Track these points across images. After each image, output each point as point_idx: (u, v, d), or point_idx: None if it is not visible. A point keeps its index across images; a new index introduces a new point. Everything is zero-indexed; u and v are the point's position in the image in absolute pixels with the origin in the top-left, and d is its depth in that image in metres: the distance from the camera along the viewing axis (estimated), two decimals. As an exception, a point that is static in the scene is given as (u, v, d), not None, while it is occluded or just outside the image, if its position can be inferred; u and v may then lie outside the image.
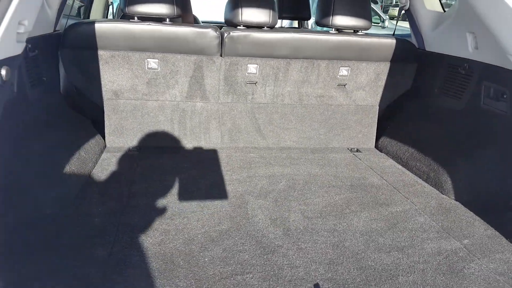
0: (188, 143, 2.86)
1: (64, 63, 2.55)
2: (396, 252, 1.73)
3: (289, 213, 2.02)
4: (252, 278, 1.51)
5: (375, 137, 3.09)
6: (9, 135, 1.44)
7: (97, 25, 2.50)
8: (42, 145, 2.07)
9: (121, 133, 2.77)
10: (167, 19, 2.60)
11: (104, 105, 2.72)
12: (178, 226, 1.85)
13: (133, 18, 2.59)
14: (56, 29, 2.48)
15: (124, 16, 4.33)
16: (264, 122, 2.93)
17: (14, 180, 1.51)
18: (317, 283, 1.50)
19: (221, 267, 1.57)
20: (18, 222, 1.64)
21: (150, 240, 1.73)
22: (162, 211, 1.98)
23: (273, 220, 1.94)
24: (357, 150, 3.01)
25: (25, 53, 1.66)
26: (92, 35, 2.51)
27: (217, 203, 2.09)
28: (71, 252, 1.61)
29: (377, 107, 3.05)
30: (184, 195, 2.15)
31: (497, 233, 1.91)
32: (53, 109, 2.42)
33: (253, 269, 1.57)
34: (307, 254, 1.68)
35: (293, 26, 5.20)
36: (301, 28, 5.01)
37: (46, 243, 1.65)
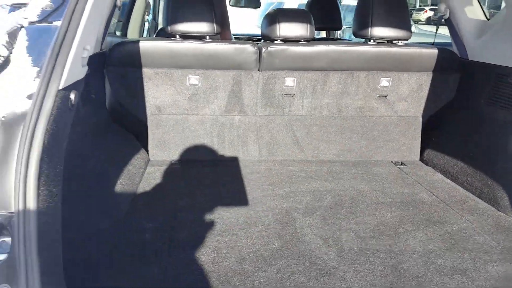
0: (227, 156, 2.87)
1: (110, 81, 2.64)
2: (459, 276, 1.65)
3: (340, 232, 1.97)
4: None
5: (419, 150, 3.00)
6: (65, 153, 1.49)
7: (141, 44, 2.58)
8: (94, 161, 2.13)
9: (164, 147, 2.84)
10: (207, 37, 2.63)
11: (148, 120, 2.80)
12: (228, 243, 1.83)
13: (175, 36, 2.63)
14: (102, 47, 2.54)
15: (159, 33, 4.43)
16: (302, 134, 2.90)
17: (69, 196, 1.55)
18: None
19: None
20: (72, 240, 1.66)
21: (202, 258, 1.72)
22: (210, 227, 1.98)
23: (324, 240, 1.89)
24: (402, 164, 2.93)
25: (86, 75, 1.72)
26: (137, 53, 2.59)
27: (264, 220, 2.06)
28: (126, 270, 1.62)
29: (420, 118, 2.97)
30: (230, 211, 2.15)
31: None
32: (101, 125, 2.50)
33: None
34: (366, 277, 1.63)
35: (320, 36, 5.19)
36: (329, 37, 4.99)
37: (101, 260, 1.67)
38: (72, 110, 1.44)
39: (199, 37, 2.64)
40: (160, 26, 5.27)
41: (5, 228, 1.19)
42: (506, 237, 1.96)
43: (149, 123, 2.80)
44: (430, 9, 28.80)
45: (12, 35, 1.43)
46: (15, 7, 1.56)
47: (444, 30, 3.17)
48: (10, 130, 1.20)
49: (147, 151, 2.83)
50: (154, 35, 4.79)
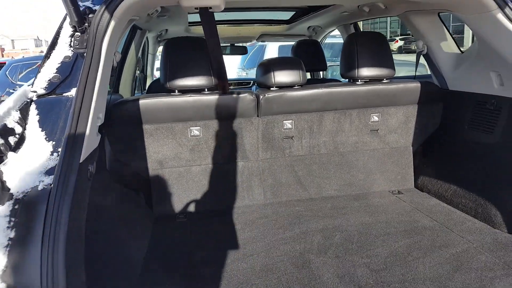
0: (233, 203, 2.94)
1: (110, 141, 2.63)
2: None
3: (354, 268, 2.06)
4: None
5: (413, 177, 3.16)
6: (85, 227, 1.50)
7: (141, 102, 2.62)
8: (102, 224, 2.12)
9: (168, 201, 2.86)
10: (206, 89, 2.75)
11: (150, 176, 2.83)
12: None
13: (174, 91, 2.73)
14: None
15: (151, 86, 4.56)
16: (304, 173, 3.02)
17: (85, 263, 1.55)
18: None
19: None
20: None
21: None
22: (228, 279, 2.01)
23: (341, 278, 1.98)
24: (399, 192, 3.07)
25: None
26: (137, 111, 2.63)
27: (280, 265, 2.13)
28: None
29: (411, 148, 3.15)
30: (245, 260, 2.20)
31: None
32: (102, 186, 2.47)
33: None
34: None
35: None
36: (314, 77, 5.23)
37: None
38: (90, 180, 1.48)
39: (198, 90, 2.75)
40: (148, 79, 5.42)
41: None
42: (505, 253, 2.09)
43: (151, 179, 2.82)
44: (401, 39, 29.99)
45: (24, 111, 1.47)
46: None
47: (409, 57, 3.42)
48: (32, 208, 1.20)
49: (151, 207, 2.83)
50: (146, 88, 4.91)
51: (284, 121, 2.89)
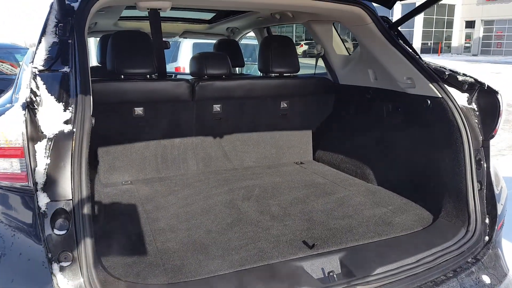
0: (171, 173, 3.52)
1: None
2: (348, 219, 2.59)
3: (269, 207, 2.81)
4: (263, 244, 2.26)
5: (312, 152, 4.02)
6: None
7: (93, 85, 3.08)
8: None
9: (115, 172, 3.34)
10: (148, 76, 3.28)
11: (98, 149, 3.29)
12: (194, 224, 2.52)
13: (120, 77, 3.15)
14: None
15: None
16: (229, 149, 3.71)
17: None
18: (304, 240, 2.28)
19: (239, 241, 2.29)
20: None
21: (180, 234, 2.39)
22: (177, 220, 2.61)
23: (260, 212, 2.71)
24: (301, 163, 3.90)
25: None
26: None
27: (215, 208, 2.79)
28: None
29: (311, 129, 4.00)
30: (187, 206, 2.82)
31: (408, 201, 2.85)
32: None
33: (262, 238, 2.32)
34: (291, 227, 2.47)
35: None
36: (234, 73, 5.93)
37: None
38: (92, 127, 2.01)
39: (142, 76, 3.21)
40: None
41: (65, 211, 1.66)
42: (374, 196, 2.98)
43: (99, 152, 3.28)
44: (305, 43, 32.04)
45: (35, 80, 1.88)
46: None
47: (312, 61, 4.29)
48: (62, 144, 1.72)
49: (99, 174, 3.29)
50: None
51: (214, 105, 3.51)
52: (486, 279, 2.10)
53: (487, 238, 2.33)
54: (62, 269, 1.63)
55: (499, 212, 2.39)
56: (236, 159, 3.75)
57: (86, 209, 1.71)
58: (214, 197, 3.00)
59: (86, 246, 1.68)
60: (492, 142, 2.53)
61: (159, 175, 3.48)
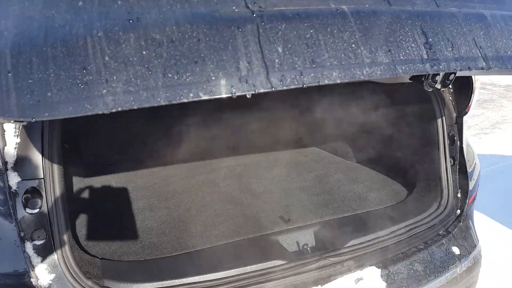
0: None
1: None
2: (325, 195, 2.64)
3: (250, 184, 2.86)
4: (241, 220, 2.30)
5: None
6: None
7: None
8: None
9: (95, 150, 3.35)
10: None
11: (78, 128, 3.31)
12: (178, 202, 2.58)
13: None
14: None
15: None
16: None
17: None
18: (281, 215, 2.32)
19: (218, 217, 2.34)
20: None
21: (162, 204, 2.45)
22: (158, 195, 2.68)
23: (241, 190, 2.77)
24: None
25: None
26: None
27: (196, 187, 2.83)
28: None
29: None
30: (169, 185, 2.87)
31: (385, 177, 2.90)
32: None
33: (240, 215, 2.37)
34: (270, 204, 2.51)
35: None
36: None
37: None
38: None
39: None
40: None
41: (37, 190, 1.66)
42: (352, 172, 3.04)
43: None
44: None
45: None
46: None
47: None
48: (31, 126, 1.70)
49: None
50: None
51: None
52: (456, 250, 2.16)
53: (458, 211, 2.39)
54: (35, 247, 1.64)
55: (470, 187, 2.45)
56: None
57: (60, 188, 1.72)
58: (196, 177, 3.02)
59: (60, 225, 1.69)
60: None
61: (140, 156, 3.49)
